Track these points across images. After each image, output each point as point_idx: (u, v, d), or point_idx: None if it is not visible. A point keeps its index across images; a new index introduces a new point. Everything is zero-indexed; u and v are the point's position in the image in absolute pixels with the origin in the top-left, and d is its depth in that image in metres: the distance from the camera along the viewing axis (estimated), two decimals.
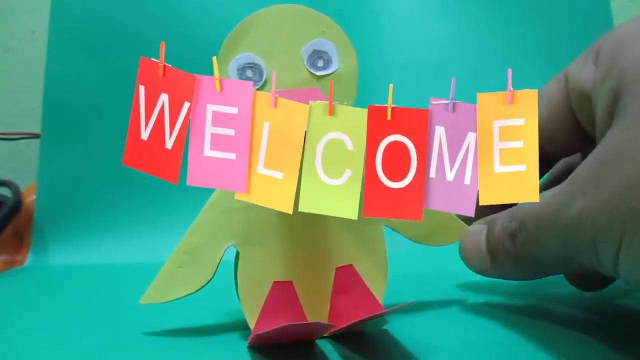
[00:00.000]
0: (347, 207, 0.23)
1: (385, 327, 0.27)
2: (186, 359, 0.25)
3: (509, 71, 0.22)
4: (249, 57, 0.26)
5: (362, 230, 0.28)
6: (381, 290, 0.27)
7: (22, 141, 0.65)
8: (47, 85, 0.57)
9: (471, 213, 0.22)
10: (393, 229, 0.29)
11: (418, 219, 0.23)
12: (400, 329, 0.26)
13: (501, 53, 0.59)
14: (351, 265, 0.27)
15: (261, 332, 0.23)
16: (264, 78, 0.26)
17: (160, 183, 0.24)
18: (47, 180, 0.57)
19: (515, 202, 0.22)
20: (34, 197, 0.57)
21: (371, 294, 0.27)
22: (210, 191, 0.27)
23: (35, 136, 0.61)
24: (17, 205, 0.56)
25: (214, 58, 0.23)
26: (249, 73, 0.26)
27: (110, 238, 0.55)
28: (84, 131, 0.57)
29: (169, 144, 0.22)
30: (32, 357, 0.26)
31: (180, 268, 0.26)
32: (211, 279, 0.27)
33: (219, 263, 0.27)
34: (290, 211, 0.23)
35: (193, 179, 0.23)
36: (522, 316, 0.28)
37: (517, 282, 0.34)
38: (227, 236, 0.26)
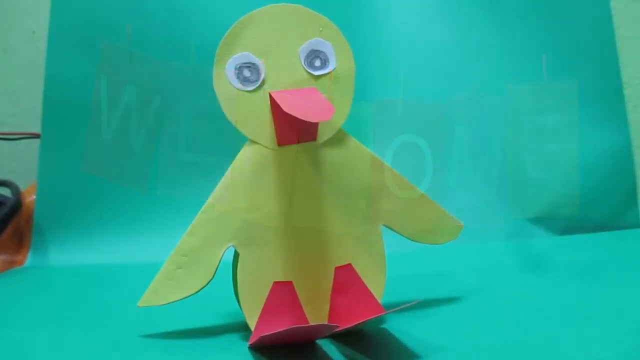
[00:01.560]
0: None
1: (384, 326, 0.27)
2: None
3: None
4: (247, 57, 0.25)
5: (361, 229, 0.27)
6: (380, 289, 0.27)
7: (22, 141, 0.64)
8: (47, 85, 0.56)
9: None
10: (389, 227, 0.27)
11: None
12: (400, 328, 0.26)
13: (501, 52, 0.58)
14: (350, 264, 0.27)
15: (266, 334, 0.21)
16: (261, 78, 0.24)
17: None
18: (47, 180, 0.55)
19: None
20: (34, 197, 0.56)
21: (370, 293, 0.26)
22: (209, 191, 0.27)
23: (35, 136, 0.60)
24: (17, 205, 0.54)
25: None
26: (246, 73, 0.25)
27: (109, 238, 0.54)
28: (84, 131, 0.57)
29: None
30: (32, 357, 0.25)
31: (179, 270, 0.25)
32: (211, 280, 0.25)
33: (218, 264, 0.25)
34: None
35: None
36: (521, 316, 0.28)
37: (515, 282, 0.34)
38: (227, 237, 0.25)
